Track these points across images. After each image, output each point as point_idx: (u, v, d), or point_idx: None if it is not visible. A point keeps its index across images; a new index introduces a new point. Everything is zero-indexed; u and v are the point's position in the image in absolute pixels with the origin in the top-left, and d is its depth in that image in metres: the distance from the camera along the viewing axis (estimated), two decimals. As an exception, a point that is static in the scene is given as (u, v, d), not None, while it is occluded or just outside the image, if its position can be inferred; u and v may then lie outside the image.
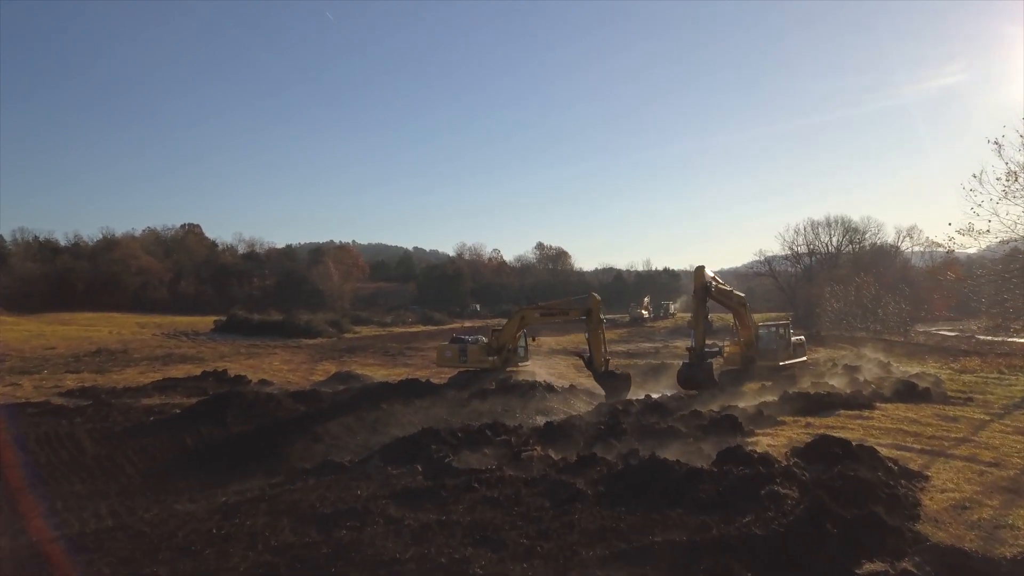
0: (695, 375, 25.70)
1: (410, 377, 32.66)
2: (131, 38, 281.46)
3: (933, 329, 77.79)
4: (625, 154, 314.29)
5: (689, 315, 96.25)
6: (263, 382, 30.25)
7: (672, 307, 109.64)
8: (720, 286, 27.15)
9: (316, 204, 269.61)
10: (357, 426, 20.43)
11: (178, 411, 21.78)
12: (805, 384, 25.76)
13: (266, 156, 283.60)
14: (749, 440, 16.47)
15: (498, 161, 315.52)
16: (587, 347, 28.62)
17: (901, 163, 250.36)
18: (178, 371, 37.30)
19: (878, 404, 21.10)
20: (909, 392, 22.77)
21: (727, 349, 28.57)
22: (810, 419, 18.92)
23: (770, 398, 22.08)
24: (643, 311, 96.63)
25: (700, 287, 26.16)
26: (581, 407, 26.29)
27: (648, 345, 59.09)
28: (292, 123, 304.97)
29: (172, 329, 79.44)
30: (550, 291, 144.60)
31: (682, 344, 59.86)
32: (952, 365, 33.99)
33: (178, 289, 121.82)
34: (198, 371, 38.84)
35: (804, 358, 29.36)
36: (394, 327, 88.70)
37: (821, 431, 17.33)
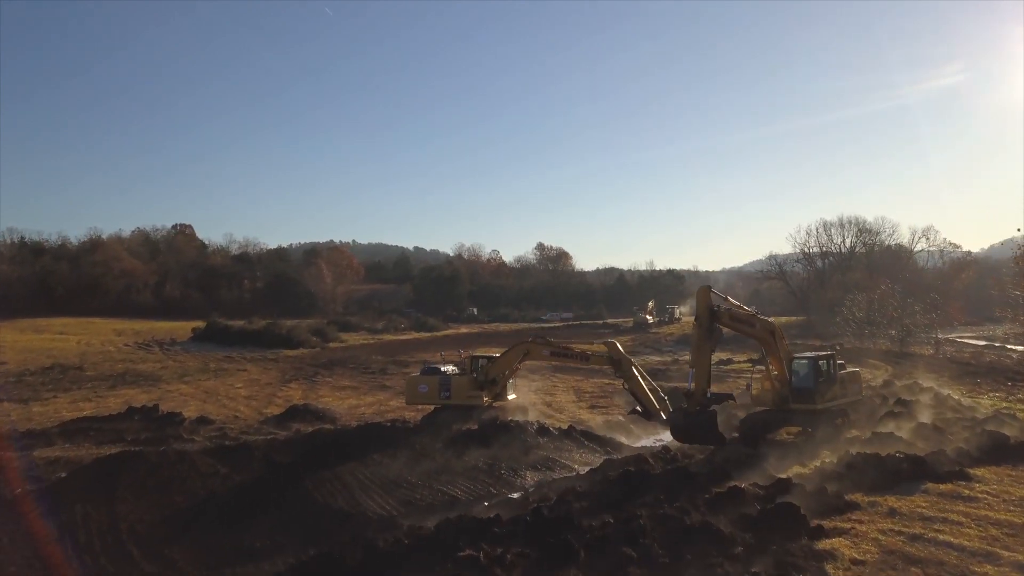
0: (694, 429, 19.67)
1: (379, 414, 27.87)
2: (132, 39, 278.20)
3: (954, 336, 72.44)
4: (626, 154, 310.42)
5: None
6: (201, 420, 25.39)
7: (678, 311, 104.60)
8: (736, 309, 21.19)
9: (316, 204, 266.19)
10: (287, 504, 15.53)
11: (64, 475, 16.95)
12: (862, 433, 20.73)
13: (266, 156, 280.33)
14: (820, 547, 11.58)
15: (499, 161, 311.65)
16: (632, 397, 23.56)
17: (903, 163, 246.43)
18: (118, 399, 32.50)
19: (969, 469, 16.19)
20: (1000, 448, 17.85)
21: (756, 387, 22.61)
22: (891, 500, 14.02)
23: (827, 459, 17.14)
24: (648, 316, 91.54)
25: (703, 313, 19.95)
26: (581, 457, 21.47)
27: (656, 358, 54.06)
28: (292, 123, 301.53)
29: (150, 337, 74.88)
30: (550, 293, 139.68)
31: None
32: (1020, 396, 28.97)
33: (163, 293, 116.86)
34: (148, 396, 34.16)
35: (859, 396, 23.49)
36: (385, 334, 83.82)
37: (916, 526, 12.47)
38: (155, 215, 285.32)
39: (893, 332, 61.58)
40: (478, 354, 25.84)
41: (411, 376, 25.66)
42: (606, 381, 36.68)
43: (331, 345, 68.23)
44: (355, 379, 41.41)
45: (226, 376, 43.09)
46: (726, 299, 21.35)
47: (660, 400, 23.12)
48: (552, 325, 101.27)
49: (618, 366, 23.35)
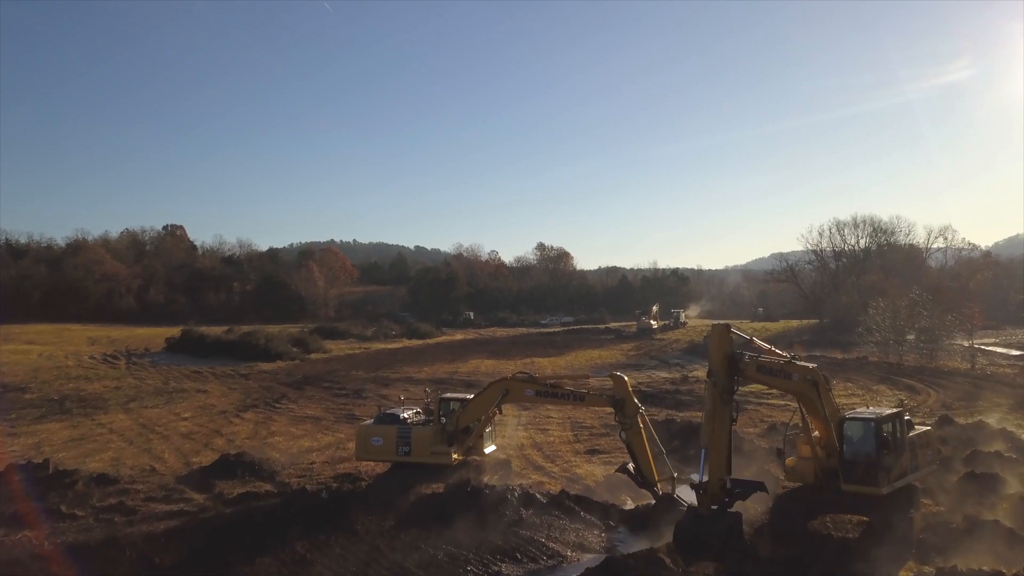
0: (708, 540, 13.99)
1: (331, 463, 23.01)
2: (132, 40, 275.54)
3: (978, 343, 66.62)
4: (628, 152, 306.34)
5: (709, 325, 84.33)
6: (102, 478, 20.44)
7: (683, 315, 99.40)
8: (766, 357, 15.57)
9: (316, 204, 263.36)
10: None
11: None
12: (946, 511, 15.74)
13: (265, 156, 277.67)
14: None
15: (501, 160, 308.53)
16: (629, 455, 18.03)
17: (907, 161, 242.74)
18: (32, 439, 27.41)
19: None
20: None
21: (791, 459, 16.79)
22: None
23: (915, 568, 12.21)
24: (652, 321, 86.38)
25: (720, 366, 14.37)
26: (576, 535, 16.64)
27: (664, 374, 49.07)
28: (292, 123, 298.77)
29: (124, 346, 70.35)
30: (550, 295, 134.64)
31: (704, 373, 48.85)
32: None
33: (147, 297, 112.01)
34: (72, 432, 29.50)
35: (934, 467, 17.68)
36: (374, 342, 78.86)
37: None
38: (154, 217, 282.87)
39: (912, 338, 56.47)
40: (449, 395, 20.89)
41: (362, 425, 20.69)
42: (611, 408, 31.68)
43: (312, 356, 63.33)
44: (323, 404, 36.51)
45: (180, 400, 38.24)
46: (751, 340, 15.84)
47: (663, 469, 17.93)
48: (552, 330, 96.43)
49: (621, 407, 18.14)
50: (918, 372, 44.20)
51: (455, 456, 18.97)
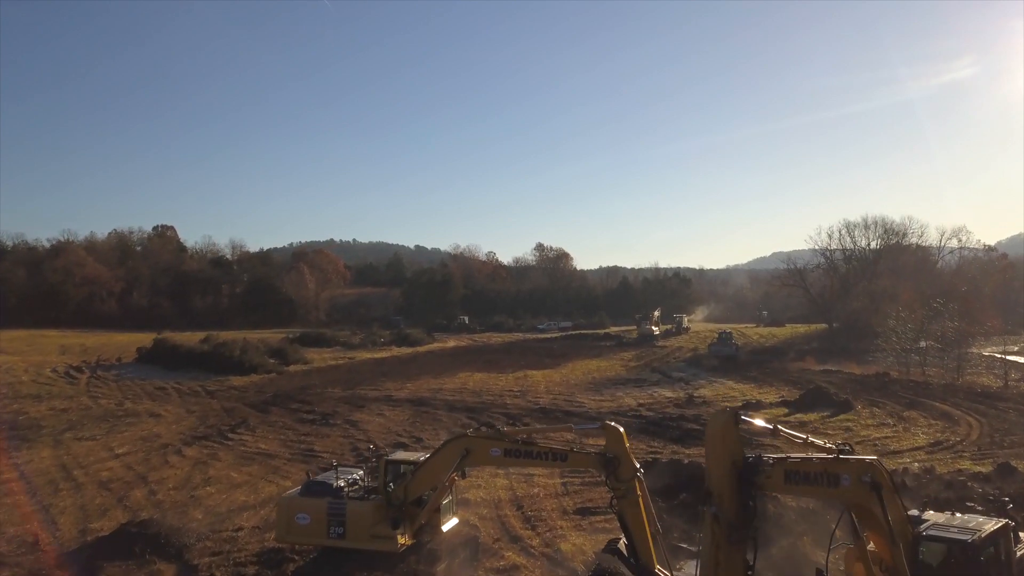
0: None
1: (262, 528, 18.87)
2: (134, 40, 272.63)
3: (1001, 352, 62.07)
4: (628, 153, 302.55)
5: (717, 330, 79.86)
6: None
7: (686, 320, 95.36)
8: (796, 456, 10.19)
9: (316, 203, 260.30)
10: None
11: None
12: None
13: (263, 156, 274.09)
14: None
15: (500, 160, 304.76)
16: (622, 530, 13.64)
17: (908, 160, 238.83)
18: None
19: None
20: None
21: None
22: None
23: None
24: (653, 327, 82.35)
25: (722, 485, 9.45)
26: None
27: (667, 393, 44.82)
28: (291, 123, 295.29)
29: (97, 356, 66.45)
30: (548, 297, 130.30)
31: (711, 391, 44.90)
32: None
33: (129, 301, 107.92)
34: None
35: None
36: (360, 350, 74.74)
37: None
38: (153, 217, 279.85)
39: (925, 344, 52.08)
40: (398, 457, 16.67)
41: (284, 497, 16.41)
42: (600, 471, 27.30)
43: (290, 368, 59.14)
44: (282, 434, 32.30)
45: (125, 428, 34.08)
46: (775, 429, 10.78)
47: (662, 555, 13.66)
48: (549, 336, 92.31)
49: (614, 470, 13.66)
50: (950, 393, 39.86)
51: (402, 540, 14.73)
